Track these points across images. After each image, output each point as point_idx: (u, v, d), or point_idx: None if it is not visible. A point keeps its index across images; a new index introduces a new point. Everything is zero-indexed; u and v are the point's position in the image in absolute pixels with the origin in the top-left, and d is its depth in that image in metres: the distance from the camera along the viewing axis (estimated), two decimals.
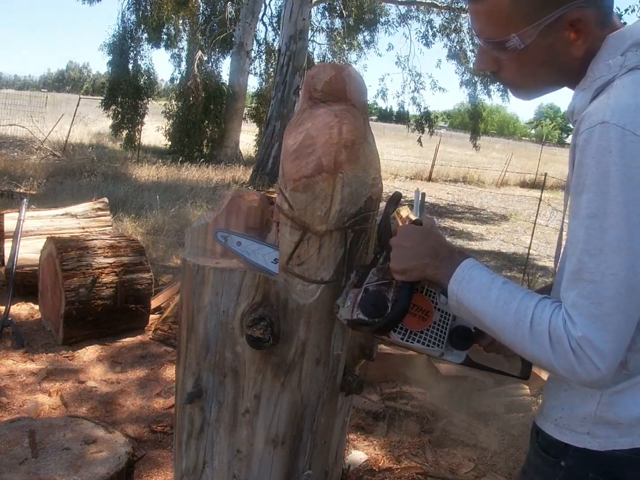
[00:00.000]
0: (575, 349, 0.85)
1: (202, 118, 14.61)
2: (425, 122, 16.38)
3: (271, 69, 16.99)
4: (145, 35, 16.81)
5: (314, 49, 17.90)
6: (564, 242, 1.05)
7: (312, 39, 16.87)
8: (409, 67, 17.05)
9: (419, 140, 15.78)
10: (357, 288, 1.12)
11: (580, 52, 0.95)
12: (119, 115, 16.21)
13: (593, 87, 0.95)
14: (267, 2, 16.29)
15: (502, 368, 1.21)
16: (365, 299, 1.07)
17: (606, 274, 0.84)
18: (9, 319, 3.69)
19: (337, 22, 18.36)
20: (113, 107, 16.15)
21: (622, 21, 1.01)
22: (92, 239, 3.83)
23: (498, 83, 16.01)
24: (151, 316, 4.02)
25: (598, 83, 0.95)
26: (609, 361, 0.85)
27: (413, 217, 4.50)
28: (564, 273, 0.92)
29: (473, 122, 17.61)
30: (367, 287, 1.08)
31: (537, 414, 1.12)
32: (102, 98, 16.70)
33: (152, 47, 17.51)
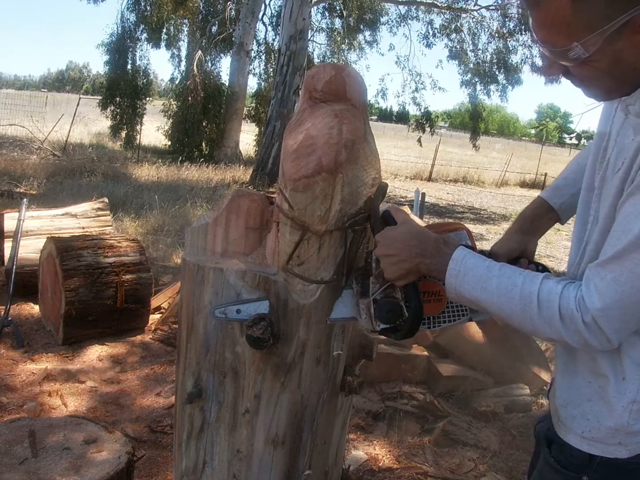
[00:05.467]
0: (589, 324, 0.88)
1: (201, 118, 14.60)
2: (426, 121, 16.38)
3: (271, 69, 16.98)
4: (145, 35, 16.81)
5: (314, 49, 17.91)
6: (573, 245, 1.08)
7: (312, 39, 16.86)
8: (409, 67, 17.06)
9: (419, 140, 15.78)
10: (364, 297, 1.13)
11: None
12: (117, 116, 16.20)
13: None
14: (267, 2, 16.30)
15: None
16: (379, 310, 1.08)
17: None
18: (9, 319, 3.68)
19: (337, 22, 18.37)
20: (111, 107, 16.14)
21: None
22: (92, 239, 3.83)
23: (498, 83, 16.05)
24: (151, 316, 4.02)
25: None
26: (622, 337, 0.90)
27: (413, 219, 4.50)
28: (593, 249, 0.95)
29: (473, 122, 17.60)
30: (375, 298, 1.10)
31: (554, 423, 1.08)
32: (100, 98, 16.71)
33: (151, 47, 17.53)
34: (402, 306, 1.07)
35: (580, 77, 0.96)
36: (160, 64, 57.46)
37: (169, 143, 15.55)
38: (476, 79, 16.20)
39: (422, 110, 16.72)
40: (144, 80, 17.00)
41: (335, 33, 18.34)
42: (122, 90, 15.91)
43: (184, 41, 18.53)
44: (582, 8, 0.86)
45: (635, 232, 0.87)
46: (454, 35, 15.96)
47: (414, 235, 1.04)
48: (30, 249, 4.13)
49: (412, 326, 1.06)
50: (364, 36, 18.68)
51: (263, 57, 18.08)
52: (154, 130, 16.02)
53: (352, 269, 1.20)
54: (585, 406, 1.01)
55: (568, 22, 0.88)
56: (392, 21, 17.43)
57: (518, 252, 1.24)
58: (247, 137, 17.01)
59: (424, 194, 6.20)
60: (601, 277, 0.89)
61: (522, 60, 15.68)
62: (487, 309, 0.98)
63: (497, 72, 15.99)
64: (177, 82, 16.96)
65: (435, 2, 15.11)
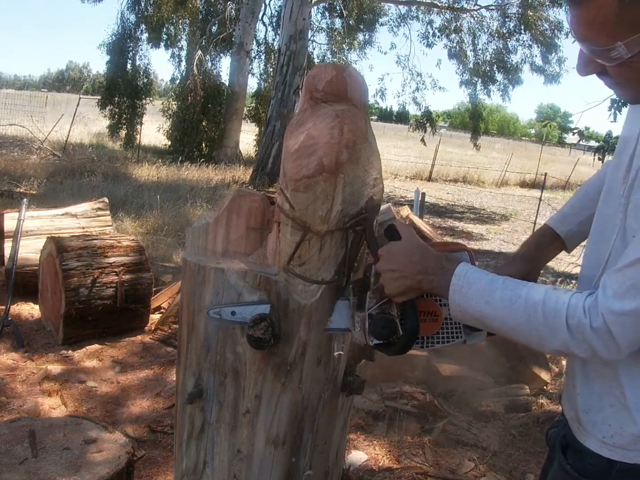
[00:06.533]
0: (599, 330, 0.86)
1: (200, 118, 14.60)
2: (427, 121, 16.38)
3: (271, 69, 16.98)
4: (145, 35, 16.83)
5: (314, 49, 17.90)
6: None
7: (312, 39, 16.86)
8: (409, 67, 17.05)
9: (423, 140, 15.74)
10: (359, 310, 1.13)
11: None
12: (116, 115, 16.20)
13: None
14: (267, 2, 16.30)
15: None
16: (374, 325, 1.08)
17: None
18: (9, 319, 3.68)
19: (337, 22, 18.36)
20: (110, 107, 16.14)
21: None
22: (92, 239, 3.83)
23: (498, 83, 16.04)
24: (151, 316, 4.02)
25: None
26: (633, 347, 0.87)
27: (413, 218, 4.50)
28: (613, 255, 0.93)
29: (473, 122, 17.60)
30: (371, 313, 1.09)
31: (574, 428, 1.06)
32: (99, 97, 16.72)
33: (151, 47, 17.54)
34: (397, 323, 1.06)
35: (617, 78, 0.94)
36: (160, 64, 57.53)
37: (169, 143, 15.55)
38: (476, 79, 16.21)
39: (423, 110, 16.73)
40: (144, 80, 17.00)
41: (336, 33, 18.34)
42: (122, 90, 15.90)
43: (185, 41, 18.54)
44: (628, 7, 0.84)
45: None
46: (453, 36, 15.97)
47: (416, 251, 1.03)
48: (30, 249, 4.13)
49: (405, 344, 1.05)
50: (364, 36, 18.71)
51: (263, 57, 18.09)
52: (154, 130, 16.02)
53: (353, 269, 1.20)
54: (607, 412, 0.99)
55: (612, 21, 0.85)
56: (392, 21, 17.45)
57: (520, 277, 1.23)
58: (247, 137, 17.01)
59: (424, 194, 6.21)
60: (620, 284, 0.86)
61: (522, 60, 15.72)
62: (491, 324, 0.96)
63: (496, 72, 16.00)
64: (178, 82, 16.96)
65: (435, 2, 15.12)
